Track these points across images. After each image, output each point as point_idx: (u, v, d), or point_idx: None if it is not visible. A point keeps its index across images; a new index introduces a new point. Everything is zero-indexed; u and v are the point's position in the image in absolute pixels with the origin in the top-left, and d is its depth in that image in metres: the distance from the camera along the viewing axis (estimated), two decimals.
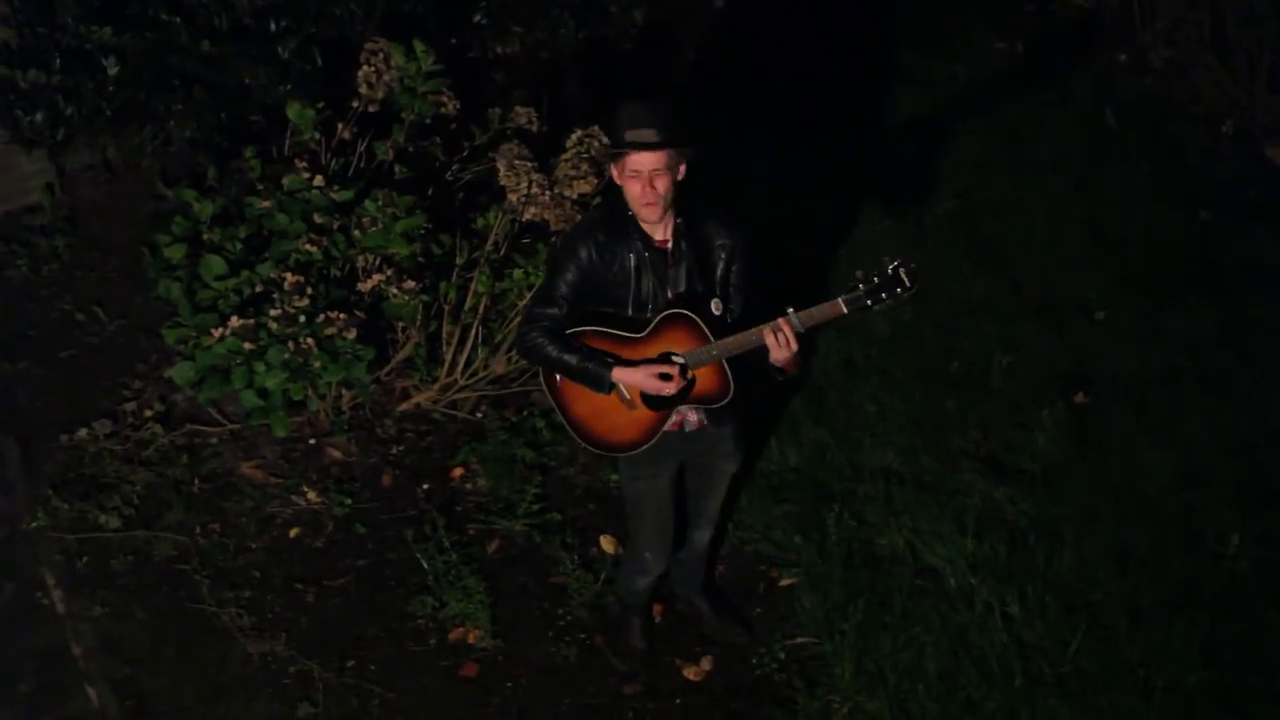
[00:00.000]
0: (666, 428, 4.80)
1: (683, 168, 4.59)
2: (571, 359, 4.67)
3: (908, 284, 4.52)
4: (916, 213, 6.94)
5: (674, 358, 4.66)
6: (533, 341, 4.72)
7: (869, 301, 4.53)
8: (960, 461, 5.96)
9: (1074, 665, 5.31)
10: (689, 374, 4.69)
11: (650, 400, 4.73)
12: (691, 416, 4.85)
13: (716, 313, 4.68)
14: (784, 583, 5.69)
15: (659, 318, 4.64)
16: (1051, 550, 5.63)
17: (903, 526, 5.74)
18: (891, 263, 4.53)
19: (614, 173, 4.63)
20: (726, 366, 4.68)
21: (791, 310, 4.56)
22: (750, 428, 5.12)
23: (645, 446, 4.80)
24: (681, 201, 4.63)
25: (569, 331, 4.70)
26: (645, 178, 4.51)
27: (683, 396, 4.72)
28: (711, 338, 4.63)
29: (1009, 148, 7.27)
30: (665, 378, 4.64)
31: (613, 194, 4.76)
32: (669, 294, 4.67)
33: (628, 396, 4.74)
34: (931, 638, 5.40)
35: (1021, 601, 5.47)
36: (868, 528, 5.77)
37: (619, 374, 4.66)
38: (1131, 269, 6.69)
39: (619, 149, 4.54)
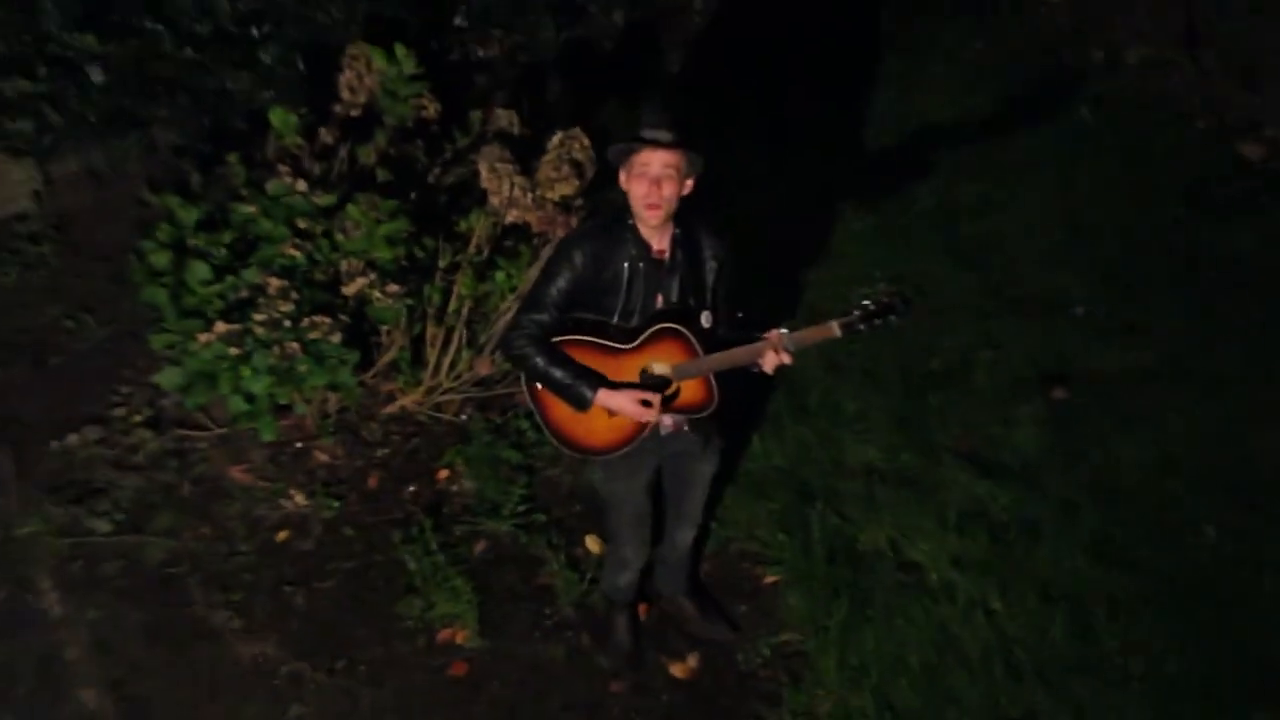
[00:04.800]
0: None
1: (690, 182, 4.55)
2: (557, 373, 4.64)
3: (902, 310, 4.53)
4: (896, 211, 6.95)
5: (656, 368, 4.65)
6: (520, 350, 4.67)
7: (862, 327, 4.55)
8: (941, 458, 5.98)
9: (1053, 656, 5.32)
10: (672, 388, 4.67)
11: None
12: (667, 420, 4.83)
13: (706, 326, 4.67)
14: (768, 580, 5.69)
15: (649, 331, 4.61)
16: (1031, 544, 5.65)
17: (885, 523, 5.75)
18: (888, 291, 4.54)
19: (621, 176, 4.57)
20: (713, 379, 4.68)
21: (785, 330, 4.57)
22: (726, 430, 5.11)
23: (624, 450, 4.78)
24: (681, 212, 4.61)
25: (556, 339, 4.66)
26: (652, 178, 4.47)
27: (666, 405, 4.70)
28: (700, 352, 4.61)
29: (987, 146, 7.28)
30: (647, 405, 4.64)
31: (606, 199, 4.72)
32: (659, 303, 4.65)
33: None
34: (914, 632, 5.41)
35: (1002, 594, 5.49)
36: (850, 525, 5.77)
37: (602, 397, 4.64)
38: (1108, 265, 6.72)
39: (630, 146, 4.48)
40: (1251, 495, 5.80)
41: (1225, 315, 6.47)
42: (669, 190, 4.48)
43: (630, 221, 4.60)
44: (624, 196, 4.60)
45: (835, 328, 4.53)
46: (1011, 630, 5.40)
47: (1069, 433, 6.05)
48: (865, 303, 4.53)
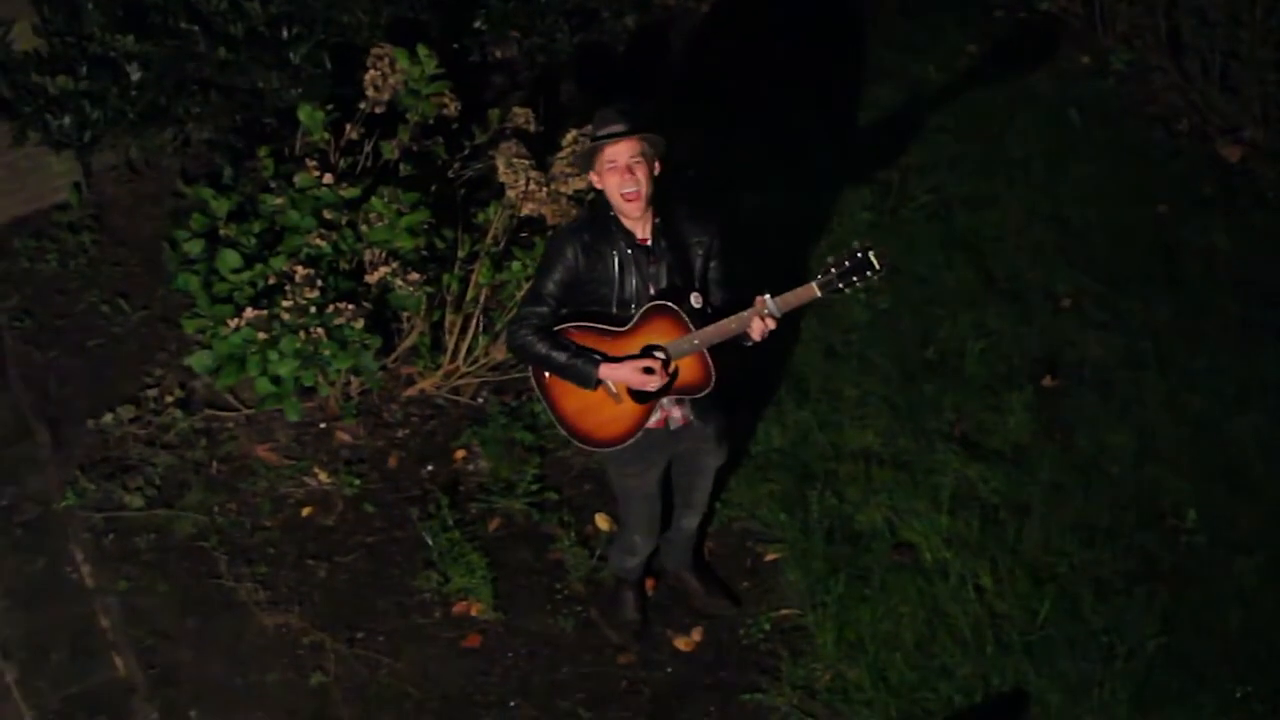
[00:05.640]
0: (653, 425, 4.70)
1: (658, 164, 4.52)
2: (559, 356, 4.58)
3: (876, 266, 4.44)
4: (893, 206, 6.84)
5: (655, 351, 4.57)
6: (522, 339, 4.62)
7: (840, 284, 4.45)
8: (936, 442, 5.87)
9: (1042, 633, 5.27)
10: (672, 365, 4.58)
11: (636, 394, 4.63)
12: (676, 413, 4.76)
13: (697, 305, 4.59)
14: (769, 558, 5.61)
15: (642, 310, 4.55)
16: (1021, 525, 5.56)
17: (881, 504, 5.66)
18: (860, 247, 4.44)
19: (594, 179, 4.55)
20: (708, 356, 4.58)
21: (769, 296, 4.48)
22: (732, 424, 5.07)
23: (632, 440, 4.70)
24: (660, 201, 4.55)
25: (557, 328, 4.61)
26: (622, 167, 4.44)
27: (667, 388, 4.61)
28: (692, 328, 4.53)
29: (980, 144, 7.16)
30: (649, 371, 4.55)
31: (598, 196, 4.68)
32: (651, 290, 4.58)
33: (614, 390, 4.64)
34: (908, 609, 5.35)
35: (993, 574, 5.41)
36: (848, 505, 5.69)
37: (605, 371, 4.57)
38: (1095, 259, 6.59)
39: (593, 146, 4.49)
40: (1230, 479, 5.71)
41: (1205, 307, 6.36)
42: (642, 174, 4.45)
43: (612, 214, 4.56)
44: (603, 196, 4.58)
45: (815, 288, 4.46)
46: (1001, 608, 5.33)
47: (1057, 419, 5.95)
48: (844, 261, 4.44)
